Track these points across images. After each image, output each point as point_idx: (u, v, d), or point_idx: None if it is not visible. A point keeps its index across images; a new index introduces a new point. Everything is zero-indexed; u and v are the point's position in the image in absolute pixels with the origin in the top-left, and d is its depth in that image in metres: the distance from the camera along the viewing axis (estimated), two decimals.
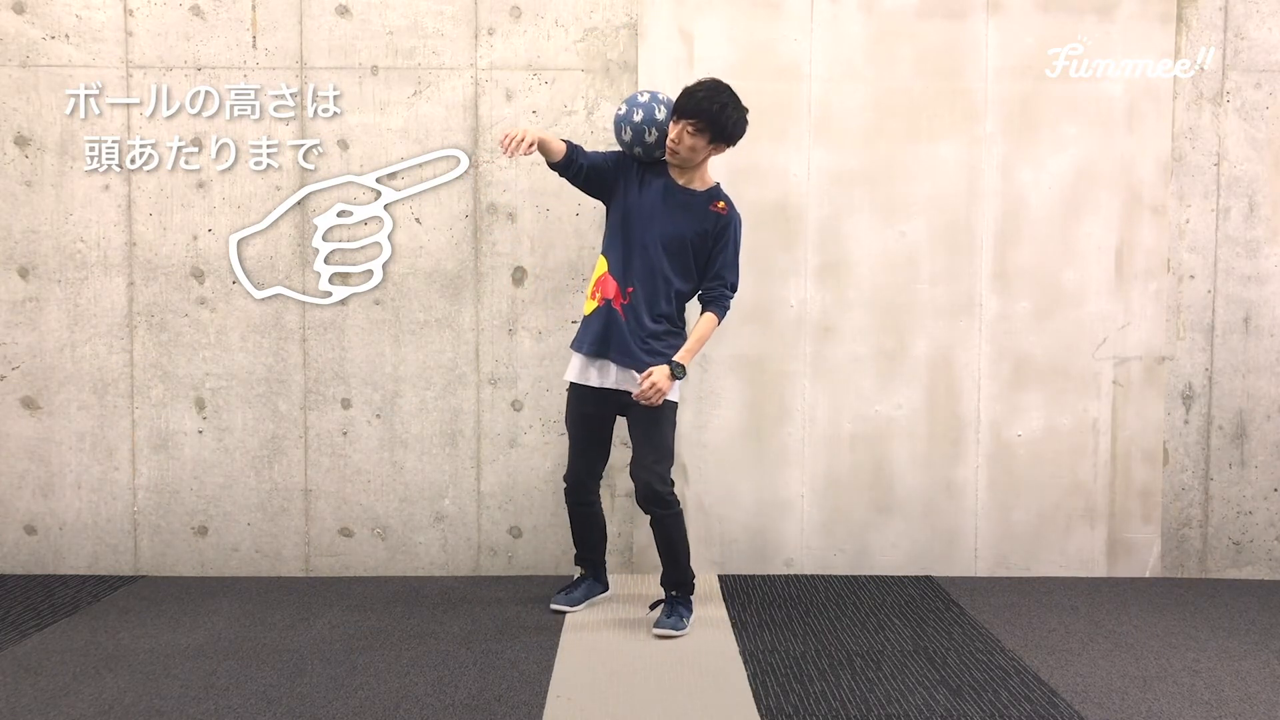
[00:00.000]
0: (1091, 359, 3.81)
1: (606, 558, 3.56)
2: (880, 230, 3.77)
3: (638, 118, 3.12)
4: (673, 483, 3.18)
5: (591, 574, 3.48)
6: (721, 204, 3.18)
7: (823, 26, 3.74)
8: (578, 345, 3.22)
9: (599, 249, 3.68)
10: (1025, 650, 3.05)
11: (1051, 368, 3.80)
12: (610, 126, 3.70)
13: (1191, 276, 3.81)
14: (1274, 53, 3.77)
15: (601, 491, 3.48)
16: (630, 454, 3.71)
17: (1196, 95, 3.78)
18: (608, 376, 3.17)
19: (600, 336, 3.14)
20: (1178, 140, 3.78)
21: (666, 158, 3.17)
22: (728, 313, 3.25)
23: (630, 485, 3.77)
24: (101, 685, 2.73)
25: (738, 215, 3.22)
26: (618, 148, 3.26)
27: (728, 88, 3.08)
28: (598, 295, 3.18)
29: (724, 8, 3.72)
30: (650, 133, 3.13)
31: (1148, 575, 3.85)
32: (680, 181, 3.18)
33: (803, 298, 3.77)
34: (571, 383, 3.25)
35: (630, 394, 3.13)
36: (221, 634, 3.15)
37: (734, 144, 3.15)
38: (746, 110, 3.11)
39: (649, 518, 3.20)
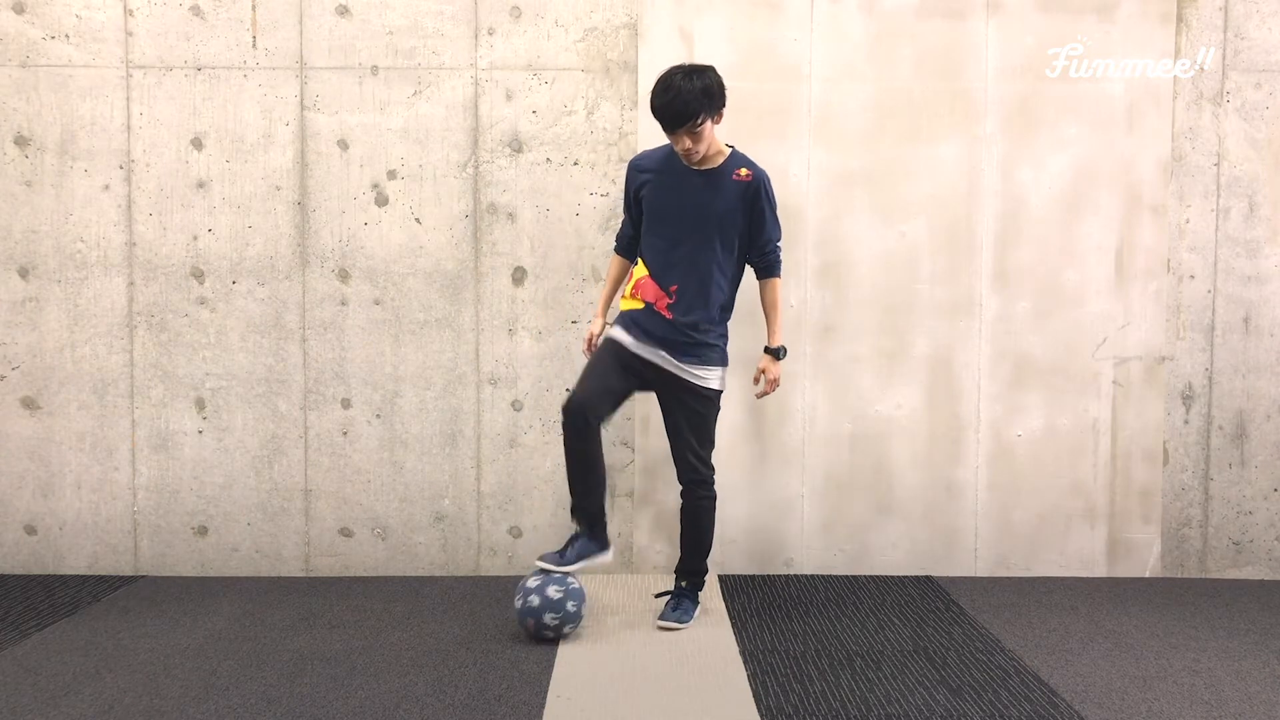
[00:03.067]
0: (1091, 359, 3.81)
1: (606, 558, 3.52)
2: (880, 230, 3.77)
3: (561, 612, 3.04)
4: (714, 469, 3.25)
5: (587, 529, 3.17)
6: (744, 170, 3.13)
7: (823, 26, 3.74)
8: (626, 328, 3.19)
9: (599, 249, 3.70)
10: (1025, 650, 3.05)
11: (1051, 368, 3.80)
12: (609, 127, 3.71)
13: (1191, 276, 3.81)
14: (1274, 53, 3.77)
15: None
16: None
17: (1196, 95, 3.77)
18: (655, 353, 3.16)
19: (648, 333, 3.15)
20: (1178, 140, 3.78)
21: (686, 162, 3.11)
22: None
23: (631, 485, 3.77)
24: (101, 685, 2.73)
25: (763, 172, 3.16)
26: (622, 164, 3.32)
27: (671, 72, 3.00)
28: (638, 295, 3.19)
29: (724, 8, 3.72)
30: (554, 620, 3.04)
31: (1148, 575, 3.85)
32: (700, 167, 3.13)
33: (803, 298, 3.77)
34: (610, 337, 3.21)
35: (671, 374, 3.14)
36: (221, 634, 3.15)
37: (725, 102, 3.05)
38: (702, 67, 3.04)
39: (682, 502, 3.24)
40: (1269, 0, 3.75)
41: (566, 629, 3.07)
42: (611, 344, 3.20)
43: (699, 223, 3.12)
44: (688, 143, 3.02)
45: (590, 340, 3.34)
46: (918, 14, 3.74)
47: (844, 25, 3.74)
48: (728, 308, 3.23)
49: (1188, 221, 3.80)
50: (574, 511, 3.20)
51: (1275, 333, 3.82)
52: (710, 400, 3.20)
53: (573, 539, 3.18)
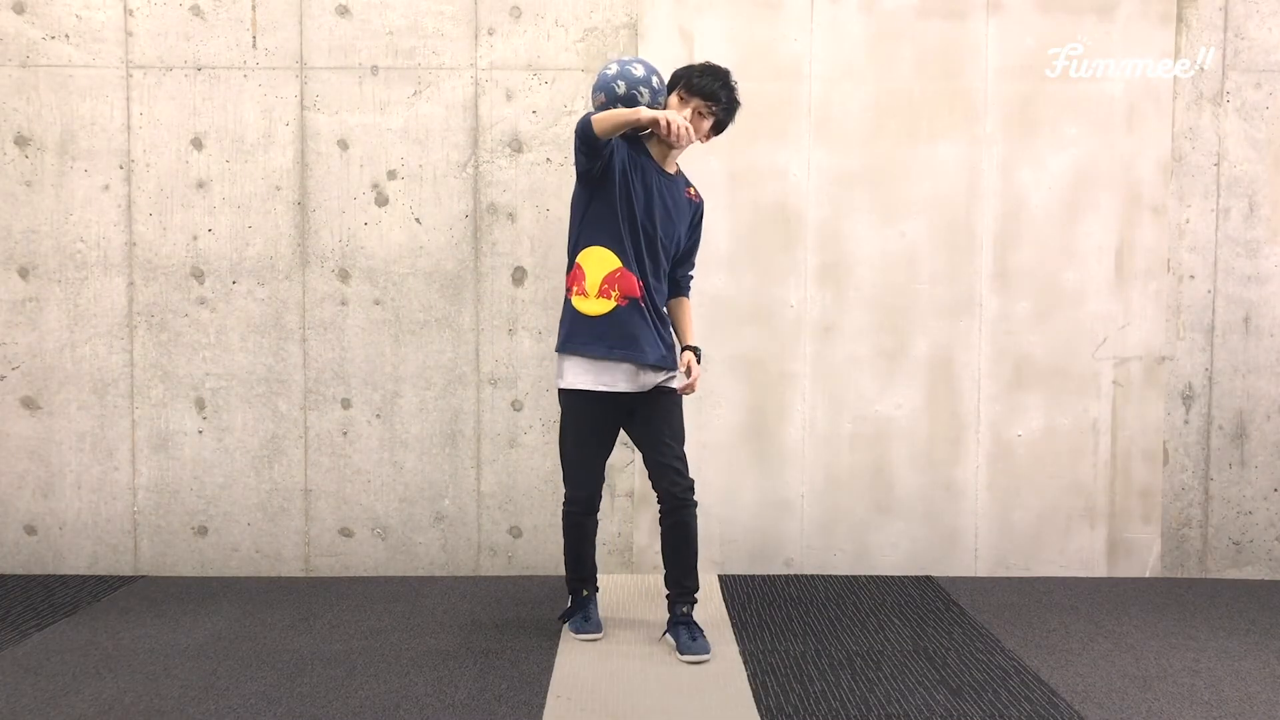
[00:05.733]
0: (1091, 359, 3.81)
1: (606, 558, 3.52)
2: (880, 230, 3.77)
3: (638, 72, 2.89)
4: None
5: (594, 591, 3.19)
6: (692, 190, 3.10)
7: (823, 26, 3.74)
8: (588, 349, 2.90)
9: None
10: (1025, 650, 3.05)
11: (1051, 368, 3.80)
12: None
13: (1191, 276, 3.81)
14: (1274, 53, 3.77)
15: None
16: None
17: (1196, 95, 3.77)
18: (620, 380, 2.92)
19: (627, 338, 2.89)
20: (1178, 140, 3.78)
21: (661, 140, 2.93)
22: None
23: (631, 485, 3.77)
24: (101, 685, 2.73)
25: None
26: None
27: (727, 72, 3.01)
28: (612, 294, 2.88)
29: (724, 8, 3.72)
30: (642, 93, 2.90)
31: (1148, 575, 3.85)
32: (667, 169, 3.01)
33: (803, 298, 3.77)
34: (578, 391, 2.94)
35: (633, 393, 2.96)
36: (221, 634, 3.15)
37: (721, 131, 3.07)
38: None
39: (666, 519, 2.97)
40: (1269, 0, 3.75)
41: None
42: (582, 411, 2.97)
43: (665, 224, 2.97)
44: (690, 116, 2.94)
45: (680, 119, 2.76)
46: (918, 14, 3.74)
47: (844, 25, 3.74)
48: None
49: (1188, 221, 3.80)
50: (582, 582, 3.16)
51: (1275, 333, 3.82)
52: (678, 400, 3.03)
53: (587, 601, 3.17)
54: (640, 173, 2.95)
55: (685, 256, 3.12)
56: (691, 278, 3.19)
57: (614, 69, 2.93)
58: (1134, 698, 2.69)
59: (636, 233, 2.92)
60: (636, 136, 2.98)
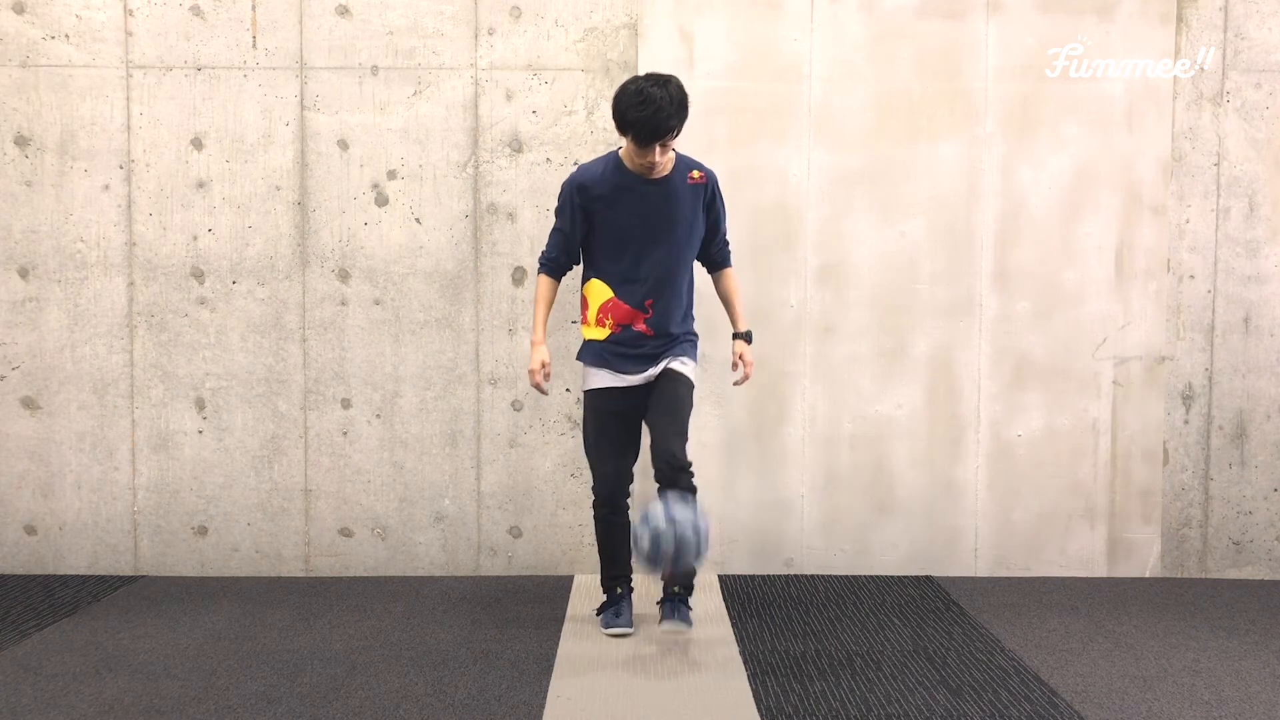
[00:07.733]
0: (1091, 359, 3.81)
1: None
2: (880, 230, 3.77)
3: (644, 545, 2.84)
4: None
5: (627, 589, 3.23)
6: (696, 173, 3.09)
7: (823, 26, 3.74)
8: (599, 363, 3.09)
9: None
10: (1025, 650, 3.05)
11: (1051, 368, 3.80)
12: (609, 127, 3.70)
13: (1191, 276, 3.81)
14: (1274, 53, 3.77)
15: None
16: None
17: (1196, 95, 3.77)
18: (638, 376, 3.08)
19: (629, 357, 3.07)
20: (1178, 140, 3.78)
21: (643, 173, 3.00)
22: None
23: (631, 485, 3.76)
24: (101, 685, 2.73)
25: (710, 170, 3.15)
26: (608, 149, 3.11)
27: (639, 83, 2.88)
28: (607, 322, 3.08)
29: (724, 8, 3.72)
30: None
31: (1148, 575, 3.85)
32: (654, 175, 3.02)
33: (803, 298, 3.77)
34: (595, 390, 3.11)
35: (640, 386, 3.08)
36: (221, 634, 3.15)
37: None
38: (666, 76, 2.93)
39: (662, 491, 3.02)
40: (1269, 0, 3.75)
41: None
42: (600, 405, 3.10)
43: (664, 233, 3.05)
44: (657, 155, 2.92)
45: (540, 370, 3.09)
46: (918, 14, 3.74)
47: (844, 25, 3.73)
48: (692, 300, 3.18)
49: (1188, 221, 3.80)
50: (616, 580, 3.22)
51: (1275, 333, 3.82)
52: (689, 386, 3.10)
53: (621, 598, 3.21)
54: (619, 206, 3.04)
55: (710, 234, 3.20)
56: (727, 246, 3.27)
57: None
58: (1134, 698, 2.70)
59: (633, 262, 3.05)
60: (616, 158, 3.06)
